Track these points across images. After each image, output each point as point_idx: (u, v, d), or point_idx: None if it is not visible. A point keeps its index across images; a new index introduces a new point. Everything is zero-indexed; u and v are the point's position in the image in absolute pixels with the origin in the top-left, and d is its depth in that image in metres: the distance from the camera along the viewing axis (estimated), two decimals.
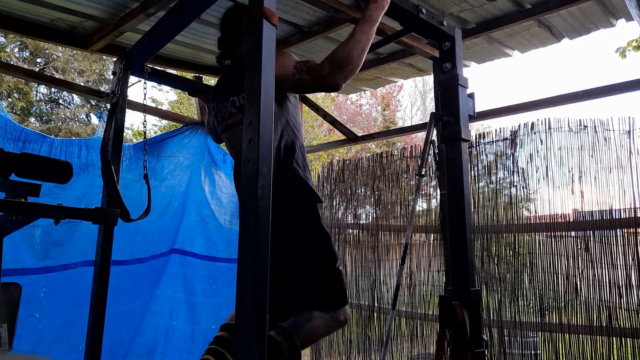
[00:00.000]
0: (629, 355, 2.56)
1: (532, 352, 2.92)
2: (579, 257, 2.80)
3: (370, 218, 3.95)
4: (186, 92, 2.76)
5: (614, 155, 2.75)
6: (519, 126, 3.10)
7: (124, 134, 2.39)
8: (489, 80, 33.56)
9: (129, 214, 1.84)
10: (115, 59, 2.18)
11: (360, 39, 1.53)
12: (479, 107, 2.05)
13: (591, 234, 2.77)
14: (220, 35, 1.98)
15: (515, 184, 3.06)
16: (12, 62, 12.71)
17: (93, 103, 15.11)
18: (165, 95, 19.70)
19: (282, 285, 1.64)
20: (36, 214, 1.24)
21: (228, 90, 1.87)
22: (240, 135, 1.75)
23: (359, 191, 4.04)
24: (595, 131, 2.82)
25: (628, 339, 2.58)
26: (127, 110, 2.17)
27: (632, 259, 2.61)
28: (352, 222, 4.04)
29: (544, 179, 2.96)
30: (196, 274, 3.22)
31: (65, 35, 2.86)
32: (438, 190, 3.44)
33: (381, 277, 3.72)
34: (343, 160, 4.19)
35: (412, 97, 20.39)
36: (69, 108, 15.66)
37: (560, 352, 2.80)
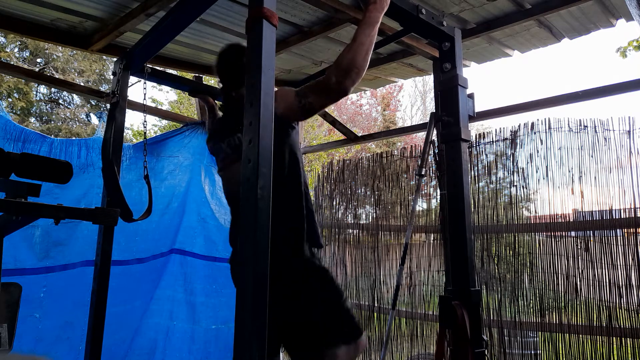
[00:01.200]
0: (629, 355, 2.56)
1: (532, 352, 2.92)
2: (579, 257, 2.80)
3: (370, 218, 3.95)
4: (186, 92, 2.76)
5: (614, 155, 2.75)
6: (519, 126, 3.10)
7: (124, 134, 2.39)
8: (489, 80, 33.58)
9: (131, 214, 1.84)
10: (115, 59, 2.18)
11: (363, 42, 1.54)
12: (479, 107, 2.05)
13: (591, 234, 2.77)
14: (218, 78, 1.94)
15: (515, 184, 3.06)
16: (12, 62, 12.71)
17: (93, 103, 15.11)
18: (165, 95, 19.70)
19: (295, 329, 1.65)
20: (36, 214, 1.24)
21: (224, 132, 1.85)
22: (234, 174, 1.75)
23: (359, 191, 4.04)
24: (595, 131, 2.82)
25: (628, 339, 2.58)
26: (127, 110, 2.17)
27: (632, 259, 2.61)
28: (352, 222, 4.04)
29: (544, 179, 2.96)
30: (196, 274, 3.22)
31: (65, 35, 2.86)
32: (438, 190, 3.44)
33: (381, 277, 3.72)
34: (343, 160, 4.19)
35: (412, 97, 20.41)
36: (69, 108, 15.67)
37: (560, 352, 2.80)
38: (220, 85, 1.95)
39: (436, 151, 3.08)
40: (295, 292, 1.63)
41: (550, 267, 2.90)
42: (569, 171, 2.87)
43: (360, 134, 4.23)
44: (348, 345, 1.61)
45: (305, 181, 1.76)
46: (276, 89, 1.59)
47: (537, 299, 2.91)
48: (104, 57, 13.20)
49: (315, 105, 1.61)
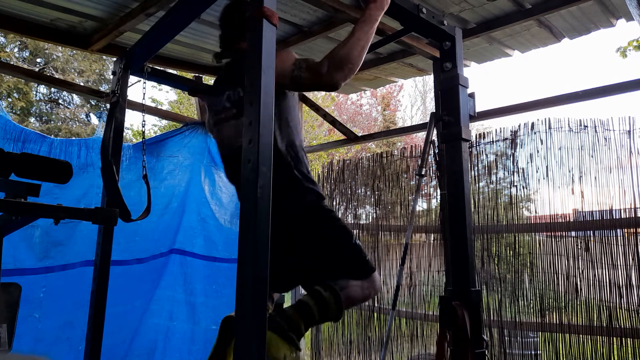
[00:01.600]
0: (629, 355, 2.56)
1: (532, 352, 2.92)
2: (579, 257, 2.80)
3: (370, 218, 3.95)
4: (186, 92, 2.75)
5: (614, 155, 2.75)
6: (519, 126, 3.10)
7: (124, 134, 2.39)
8: (489, 80, 33.59)
9: (129, 214, 1.84)
10: (115, 59, 2.18)
11: (360, 38, 1.53)
12: (479, 107, 2.05)
13: (591, 234, 2.77)
14: (221, 33, 1.96)
15: (515, 184, 3.06)
16: (12, 62, 12.71)
17: (93, 103, 15.11)
18: (165, 95, 19.72)
19: (307, 268, 1.70)
20: (36, 214, 1.23)
21: (225, 85, 1.84)
22: (232, 131, 1.75)
23: (359, 191, 4.04)
24: (595, 131, 2.82)
25: (628, 339, 2.58)
26: (127, 110, 2.16)
27: (632, 259, 2.61)
28: (352, 222, 4.03)
29: (544, 179, 2.96)
30: (196, 274, 3.22)
31: (65, 35, 2.86)
32: (438, 190, 3.44)
33: (381, 277, 3.72)
34: (343, 160, 4.19)
35: (412, 97, 20.42)
36: (68, 108, 15.67)
37: (560, 352, 2.80)
38: (223, 38, 1.94)
39: (436, 151, 3.08)
40: (307, 232, 1.67)
41: (550, 267, 2.90)
42: (569, 171, 2.87)
43: (360, 134, 4.23)
44: (362, 281, 1.65)
45: (302, 141, 1.78)
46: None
47: (538, 299, 2.91)
48: (104, 57, 13.20)
49: (304, 83, 1.60)
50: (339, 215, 1.84)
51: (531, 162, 3.01)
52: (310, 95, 4.27)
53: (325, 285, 1.58)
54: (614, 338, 2.61)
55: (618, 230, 2.69)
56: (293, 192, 1.68)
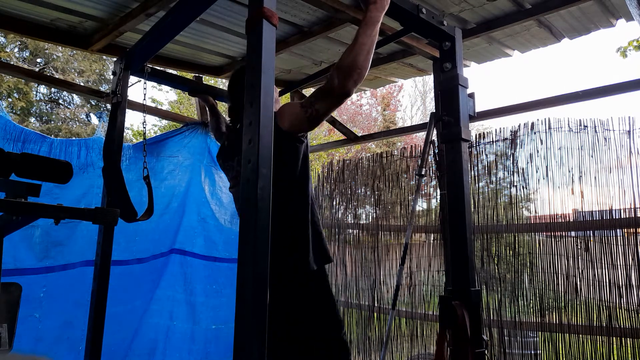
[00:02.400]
0: (629, 355, 2.56)
1: (532, 352, 2.92)
2: (579, 257, 2.80)
3: (370, 218, 3.95)
4: (186, 92, 2.76)
5: (614, 155, 2.75)
6: (519, 126, 3.10)
7: (124, 134, 2.39)
8: (489, 80, 33.58)
9: (136, 214, 1.84)
10: (115, 59, 2.18)
11: (365, 42, 1.53)
12: (479, 107, 2.05)
13: (591, 234, 2.77)
14: (229, 101, 2.01)
15: (515, 184, 3.06)
16: (12, 62, 12.71)
17: (93, 103, 15.11)
18: (165, 95, 19.70)
19: (287, 348, 1.67)
20: (36, 214, 1.24)
21: (235, 149, 1.87)
22: None
23: (359, 191, 4.04)
24: (595, 131, 2.82)
25: (628, 339, 2.58)
26: (127, 110, 2.16)
27: (632, 259, 2.61)
28: (352, 222, 4.04)
29: (544, 179, 2.96)
30: (196, 274, 3.22)
31: (65, 35, 2.86)
32: (438, 190, 3.44)
33: (381, 277, 3.72)
34: (343, 160, 4.19)
35: (412, 97, 20.40)
36: (69, 108, 15.67)
37: (560, 352, 2.80)
38: (230, 104, 1.98)
39: (436, 151, 3.08)
40: (294, 308, 1.64)
41: (550, 267, 2.90)
42: (569, 171, 2.87)
43: (360, 134, 4.23)
44: None
45: (312, 195, 1.77)
46: (279, 88, 1.60)
47: (537, 299, 2.91)
48: (104, 57, 13.20)
49: (321, 112, 1.61)
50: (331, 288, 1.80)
51: (531, 162, 3.01)
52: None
53: None
54: (614, 338, 2.62)
55: (618, 230, 2.69)
56: (300, 253, 1.67)
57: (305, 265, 1.65)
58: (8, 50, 13.46)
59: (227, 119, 2.23)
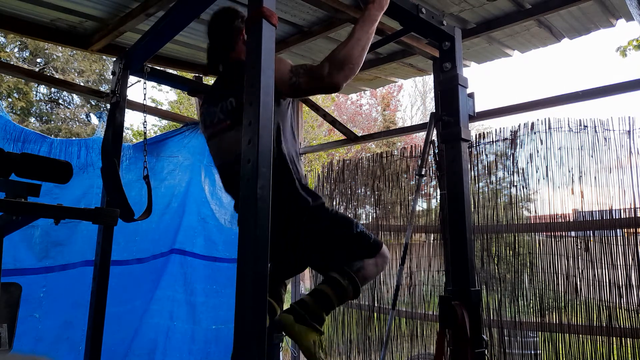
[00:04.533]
0: (629, 355, 2.56)
1: (532, 352, 2.92)
2: (579, 257, 2.80)
3: (370, 218, 3.95)
4: (186, 92, 2.75)
5: (614, 155, 2.75)
6: (519, 126, 3.10)
7: (124, 134, 2.39)
8: (489, 80, 33.58)
9: (133, 214, 1.84)
10: (115, 59, 2.18)
11: (360, 38, 1.53)
12: (479, 107, 2.05)
13: (591, 234, 2.77)
14: (209, 43, 1.94)
15: (515, 184, 3.06)
16: (12, 62, 12.71)
17: (93, 103, 15.11)
18: (165, 95, 19.69)
19: (320, 258, 1.78)
20: (36, 214, 1.24)
21: (218, 96, 1.83)
22: (227, 144, 1.75)
23: (359, 191, 4.04)
24: (595, 131, 2.82)
25: (628, 339, 2.58)
26: (127, 110, 2.16)
27: (632, 259, 2.61)
28: None
29: (544, 179, 2.96)
30: (196, 274, 3.22)
31: (65, 35, 2.86)
32: (438, 190, 3.44)
33: (381, 277, 3.72)
34: (343, 160, 4.19)
35: (412, 97, 20.40)
36: (69, 108, 15.67)
37: (560, 352, 2.80)
38: (212, 50, 1.93)
39: (436, 151, 3.08)
40: (314, 228, 1.73)
41: (550, 267, 2.90)
42: (569, 171, 2.87)
43: (360, 134, 4.23)
44: (374, 258, 1.74)
45: (292, 158, 1.77)
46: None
47: (537, 299, 2.91)
48: (104, 57, 13.20)
49: (304, 88, 1.60)
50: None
51: (531, 162, 3.01)
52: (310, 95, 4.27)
53: (342, 272, 1.68)
54: (614, 338, 2.62)
55: (618, 230, 2.69)
56: (293, 195, 1.72)
57: (305, 201, 1.73)
58: (8, 50, 13.46)
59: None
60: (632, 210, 2.64)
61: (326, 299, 1.65)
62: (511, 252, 3.04)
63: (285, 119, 1.75)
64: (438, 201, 3.49)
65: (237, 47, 1.84)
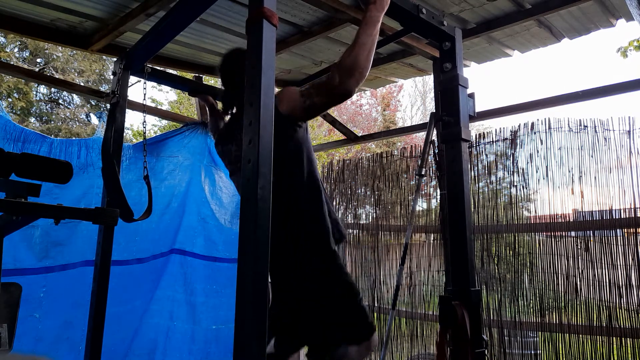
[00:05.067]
0: (629, 355, 2.56)
1: (532, 352, 2.92)
2: (579, 257, 2.80)
3: (370, 218, 3.95)
4: (186, 92, 2.76)
5: (614, 155, 2.75)
6: (519, 126, 3.10)
7: (124, 134, 2.39)
8: (489, 80, 33.58)
9: (132, 214, 1.84)
10: (115, 59, 2.18)
11: (365, 42, 1.53)
12: (479, 107, 2.05)
13: (591, 234, 2.77)
14: (222, 84, 1.98)
15: (515, 184, 3.06)
16: (12, 62, 12.71)
17: (93, 103, 15.11)
18: (165, 95, 19.67)
19: (310, 322, 1.72)
20: (36, 214, 1.23)
21: (232, 133, 1.87)
22: None
23: (359, 191, 4.04)
24: (595, 131, 2.82)
25: (628, 339, 2.58)
26: (127, 110, 2.16)
27: (632, 259, 2.61)
28: (352, 222, 4.03)
29: (544, 179, 2.96)
30: (196, 274, 3.21)
31: (65, 35, 2.86)
32: (438, 190, 3.44)
33: (381, 277, 3.72)
34: (343, 160, 4.19)
35: (412, 97, 20.38)
36: (69, 108, 15.66)
37: (560, 352, 2.80)
38: (224, 88, 1.97)
39: (436, 151, 3.08)
40: (316, 287, 1.69)
41: (550, 267, 2.90)
42: (569, 171, 2.87)
43: (360, 134, 4.23)
44: (359, 345, 1.66)
45: (319, 177, 1.79)
46: (279, 89, 1.60)
47: (537, 299, 2.91)
48: (104, 57, 13.20)
49: (319, 106, 1.62)
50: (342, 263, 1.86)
51: (531, 162, 3.01)
52: None
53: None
54: (614, 338, 2.62)
55: (618, 230, 2.69)
56: (324, 236, 1.70)
57: (328, 247, 1.70)
58: (8, 50, 13.46)
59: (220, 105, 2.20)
60: (632, 210, 2.65)
61: None
62: (511, 252, 3.04)
63: (310, 143, 1.77)
64: (438, 201, 3.49)
65: None
